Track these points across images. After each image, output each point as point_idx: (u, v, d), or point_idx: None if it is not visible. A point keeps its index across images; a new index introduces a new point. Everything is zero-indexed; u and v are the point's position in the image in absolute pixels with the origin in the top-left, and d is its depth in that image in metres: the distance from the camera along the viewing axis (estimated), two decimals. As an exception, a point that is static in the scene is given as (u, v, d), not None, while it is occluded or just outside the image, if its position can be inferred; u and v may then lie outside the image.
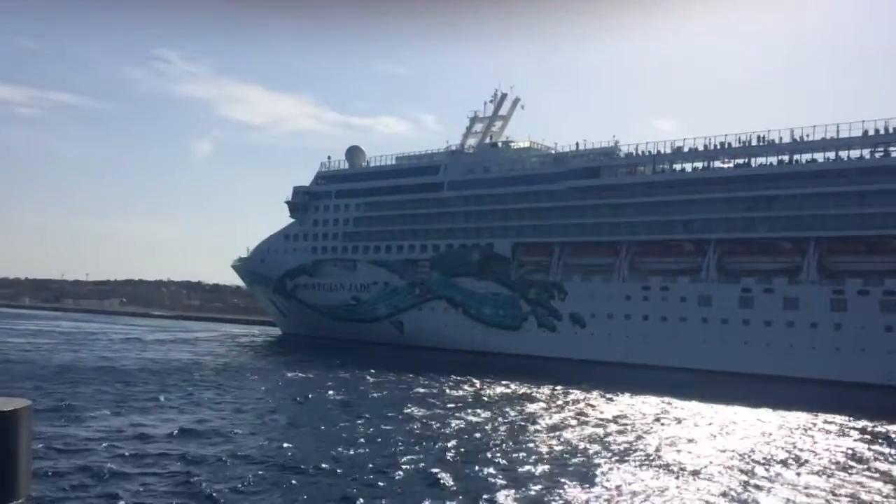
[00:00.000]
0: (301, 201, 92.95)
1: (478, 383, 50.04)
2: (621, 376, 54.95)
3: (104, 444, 26.80)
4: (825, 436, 34.07)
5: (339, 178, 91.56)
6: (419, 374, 53.63)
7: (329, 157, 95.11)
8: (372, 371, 54.39)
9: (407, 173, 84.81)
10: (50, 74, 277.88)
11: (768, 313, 59.36)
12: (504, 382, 50.58)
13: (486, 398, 43.78)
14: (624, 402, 43.13)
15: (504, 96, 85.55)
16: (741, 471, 26.36)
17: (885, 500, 23.18)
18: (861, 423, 37.02)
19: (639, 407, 41.40)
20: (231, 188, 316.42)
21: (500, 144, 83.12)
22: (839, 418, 38.30)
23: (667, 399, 44.00)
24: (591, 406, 41.51)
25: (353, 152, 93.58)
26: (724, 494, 23.14)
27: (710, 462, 27.46)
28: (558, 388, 48.18)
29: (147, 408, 35.76)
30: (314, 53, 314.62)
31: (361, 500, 21.15)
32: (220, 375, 50.62)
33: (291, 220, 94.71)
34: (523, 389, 47.82)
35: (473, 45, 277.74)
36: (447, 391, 46.24)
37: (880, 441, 32.96)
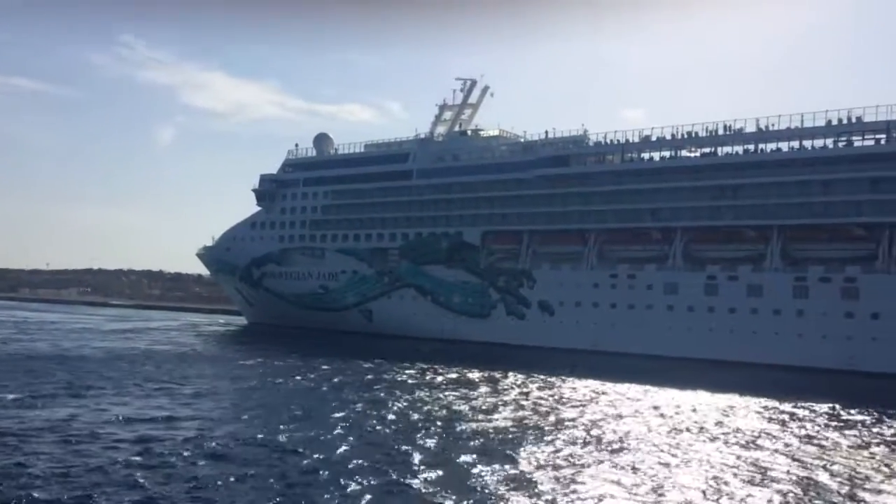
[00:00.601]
0: (268, 189, 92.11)
1: (436, 370, 50.46)
2: (587, 363, 55.68)
3: (51, 434, 26.39)
4: (751, 416, 35.38)
5: (307, 166, 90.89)
6: (382, 361, 53.99)
7: (297, 145, 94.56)
8: (333, 359, 54.54)
9: (376, 161, 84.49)
10: (9, 60, 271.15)
11: (733, 300, 60.30)
12: (462, 369, 51.14)
13: (438, 383, 44.41)
14: (573, 387, 43.85)
15: (473, 84, 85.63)
16: (654, 445, 27.84)
17: (760, 473, 24.06)
18: (794, 406, 38.21)
19: (582, 391, 42.29)
20: (194, 176, 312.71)
21: (469, 133, 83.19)
22: (780, 401, 39.40)
23: (618, 384, 44.85)
24: (539, 390, 42.30)
25: (321, 140, 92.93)
26: (630, 466, 24.58)
27: (628, 438, 28.88)
28: (516, 374, 48.73)
29: (96, 395, 35.27)
30: (279, 40, 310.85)
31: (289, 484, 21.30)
32: (176, 364, 50.11)
33: (258, 209, 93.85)
34: (477, 375, 48.44)
35: (440, 32, 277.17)
36: (405, 378, 46.53)
37: (798, 421, 34.29)
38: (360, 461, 23.97)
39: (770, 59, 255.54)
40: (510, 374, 48.98)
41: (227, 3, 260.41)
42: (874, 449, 28.70)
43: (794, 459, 26.32)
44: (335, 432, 28.50)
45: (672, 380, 46.62)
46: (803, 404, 38.69)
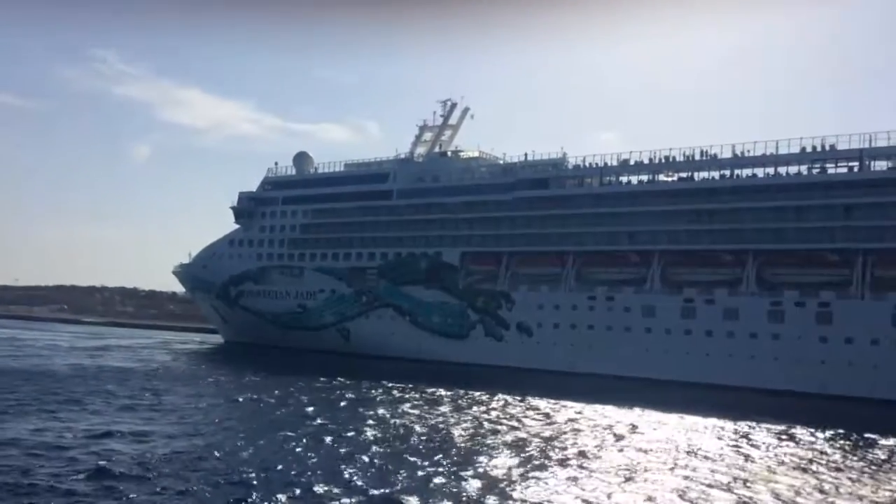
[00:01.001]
0: (247, 207, 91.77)
1: (405, 388, 50.74)
2: (560, 384, 56.02)
3: (11, 448, 26.57)
4: (707, 438, 35.97)
5: (287, 185, 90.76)
6: (353, 380, 54.13)
7: (276, 163, 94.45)
8: (304, 377, 54.69)
9: (356, 180, 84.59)
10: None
11: (709, 323, 60.92)
12: (432, 388, 51.35)
13: (403, 401, 44.82)
14: (535, 407, 44.30)
15: (454, 106, 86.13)
16: (602, 462, 28.81)
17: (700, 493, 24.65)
18: (755, 428, 38.85)
19: (544, 410, 42.99)
20: (170, 192, 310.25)
21: (449, 154, 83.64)
22: (743, 423, 39.96)
23: (585, 404, 45.34)
24: (501, 410, 42.69)
25: (301, 158, 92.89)
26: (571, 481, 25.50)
27: (576, 456, 29.64)
28: (481, 394, 49.15)
29: (58, 411, 35.37)
30: (256, 58, 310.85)
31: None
32: (144, 381, 49.90)
33: (236, 227, 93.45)
34: (444, 394, 48.82)
35: (417, 53, 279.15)
36: (376, 397, 46.69)
37: (750, 441, 35.20)
38: (301, 475, 24.40)
39: (742, 83, 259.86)
40: (485, 394, 49.18)
41: (204, 20, 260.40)
42: (814, 468, 29.37)
43: (733, 478, 26.98)
44: (287, 448, 28.86)
45: (643, 401, 47.05)
46: (766, 426, 39.27)
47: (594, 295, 66.72)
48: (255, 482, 23.58)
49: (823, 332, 56.25)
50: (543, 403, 45.55)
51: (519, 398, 47.45)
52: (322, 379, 54.24)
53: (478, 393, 49.66)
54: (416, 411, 40.90)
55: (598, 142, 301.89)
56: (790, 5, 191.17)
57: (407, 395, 47.79)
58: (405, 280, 77.98)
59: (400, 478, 25.03)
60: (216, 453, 27.46)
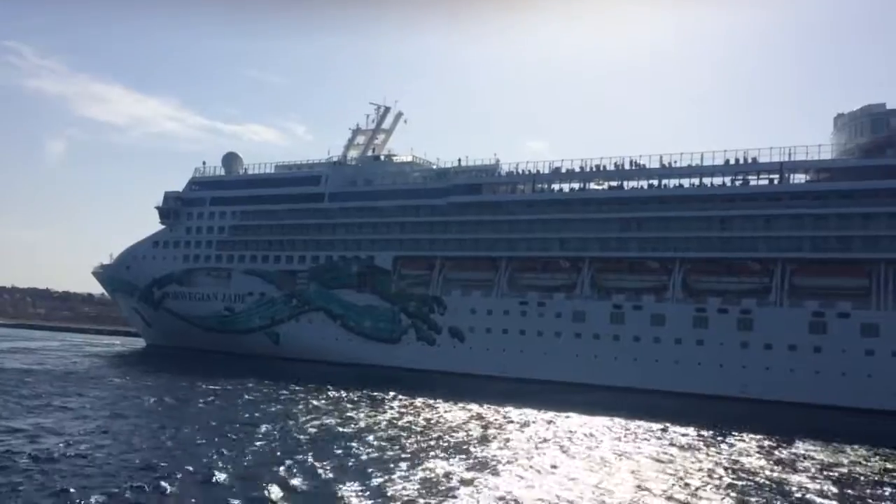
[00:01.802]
0: (173, 207, 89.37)
1: (323, 391, 50.57)
2: (484, 388, 56.59)
3: None
4: (610, 438, 37.39)
5: (215, 185, 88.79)
6: (273, 383, 53.75)
7: (204, 163, 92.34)
8: (222, 380, 53.89)
9: (287, 182, 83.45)
10: None
11: (637, 329, 62.46)
12: (348, 391, 51.39)
13: (318, 405, 44.71)
14: (452, 410, 44.98)
15: (387, 110, 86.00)
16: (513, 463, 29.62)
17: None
18: (661, 429, 40.49)
19: (457, 413, 43.62)
20: (88, 190, 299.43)
21: (382, 157, 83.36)
22: (650, 425, 41.52)
23: (503, 407, 46.34)
24: (418, 413, 43.23)
25: (230, 159, 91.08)
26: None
27: (485, 457, 30.37)
28: (399, 397, 49.57)
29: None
30: (180, 55, 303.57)
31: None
32: (51, 384, 48.53)
33: (161, 227, 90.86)
34: (359, 398, 48.84)
35: (347, 56, 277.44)
36: (285, 399, 46.50)
37: (659, 442, 36.64)
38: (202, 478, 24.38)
39: (667, 92, 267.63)
40: (414, 398, 49.39)
41: (124, 12, 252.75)
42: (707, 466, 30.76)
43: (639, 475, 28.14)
44: (184, 450, 28.76)
45: (566, 404, 48.37)
46: (676, 428, 40.66)
47: (526, 300, 67.52)
48: (145, 475, 23.84)
49: (744, 338, 58.39)
50: (451, 406, 46.36)
51: (440, 401, 47.99)
52: (235, 381, 53.51)
53: (378, 394, 50.26)
54: (333, 414, 41.10)
55: (528, 150, 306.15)
56: (717, 6, 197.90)
57: (323, 399, 47.71)
58: (337, 283, 77.32)
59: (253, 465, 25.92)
60: (111, 451, 27.51)
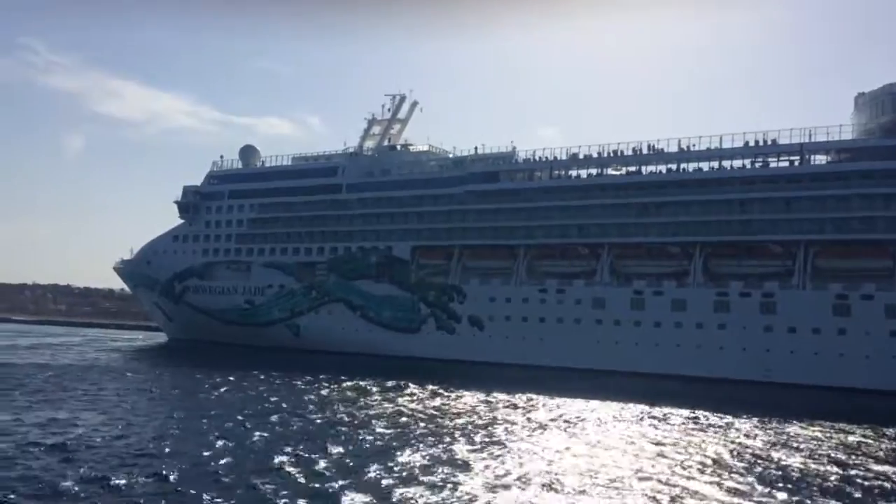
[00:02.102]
0: (192, 201, 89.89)
1: (341, 383, 50.11)
2: (504, 376, 56.27)
3: None
4: (625, 424, 36.35)
5: (233, 178, 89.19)
6: (292, 374, 53.42)
7: (222, 157, 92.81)
8: (242, 372, 53.59)
9: (304, 174, 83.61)
10: None
11: (658, 315, 62.09)
12: (365, 381, 50.77)
13: (338, 395, 44.50)
14: (465, 396, 44.59)
15: (402, 99, 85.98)
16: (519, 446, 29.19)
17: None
18: (679, 414, 39.49)
19: (467, 400, 43.22)
20: (105, 186, 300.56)
21: (398, 147, 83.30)
22: (675, 410, 40.47)
23: (520, 394, 45.75)
24: (430, 400, 42.81)
25: (248, 152, 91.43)
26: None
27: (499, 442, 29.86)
28: (417, 387, 48.70)
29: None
30: (194, 49, 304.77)
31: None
32: (74, 378, 48.39)
33: (180, 221, 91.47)
34: (377, 388, 48.23)
35: (359, 45, 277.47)
36: (304, 391, 46.18)
37: (674, 427, 35.62)
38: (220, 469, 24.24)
39: (675, 77, 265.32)
40: (429, 386, 48.95)
41: (138, 9, 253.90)
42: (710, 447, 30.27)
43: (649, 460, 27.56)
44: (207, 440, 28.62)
45: (586, 390, 47.96)
46: (704, 413, 39.81)
47: (545, 287, 67.31)
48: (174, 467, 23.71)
49: (768, 322, 57.89)
50: (468, 394, 45.85)
51: (454, 389, 47.66)
52: (259, 374, 53.30)
53: (392, 382, 49.97)
54: (353, 402, 41.01)
55: (539, 137, 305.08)
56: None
57: (340, 387, 47.68)
58: (355, 274, 77.49)
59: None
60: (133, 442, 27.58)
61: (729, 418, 38.45)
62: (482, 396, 44.60)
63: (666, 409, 40.66)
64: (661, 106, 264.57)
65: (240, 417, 33.91)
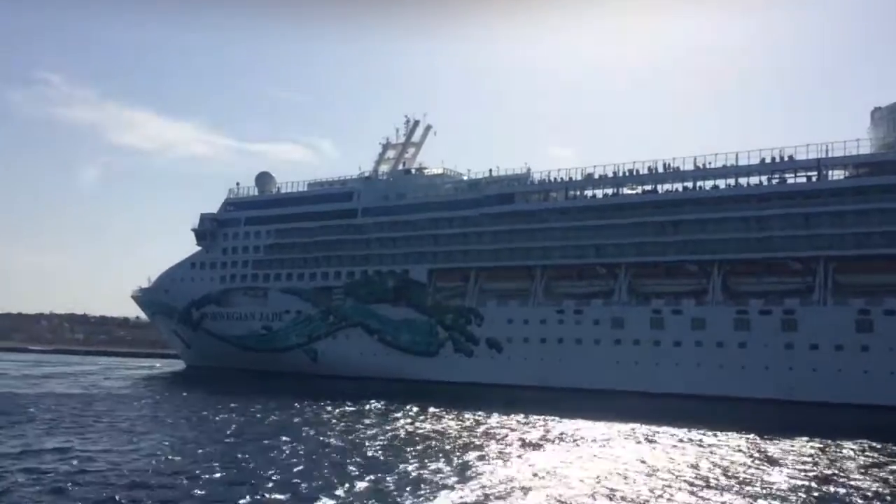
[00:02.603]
0: (209, 228, 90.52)
1: (353, 407, 49.85)
2: (523, 398, 55.49)
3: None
4: (633, 445, 35.22)
5: (249, 205, 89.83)
6: (308, 400, 52.74)
7: (238, 184, 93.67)
8: (261, 399, 52.80)
9: (320, 200, 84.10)
10: None
11: (677, 334, 61.61)
12: (385, 404, 50.62)
13: (345, 420, 43.79)
14: (475, 420, 43.80)
15: (416, 123, 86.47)
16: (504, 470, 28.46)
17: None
18: (696, 435, 38.33)
19: (467, 423, 42.46)
20: (121, 216, 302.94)
21: (413, 171, 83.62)
22: (691, 433, 38.98)
23: (527, 417, 44.83)
24: (435, 424, 42.18)
25: (263, 178, 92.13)
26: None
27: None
28: (432, 409, 48.10)
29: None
30: (206, 78, 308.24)
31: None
32: (83, 407, 48.22)
33: (198, 249, 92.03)
34: (400, 412, 47.39)
35: (369, 68, 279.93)
36: (320, 416, 45.84)
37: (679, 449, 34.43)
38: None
39: (689, 98, 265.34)
40: (448, 411, 48.28)
41: (150, 37, 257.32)
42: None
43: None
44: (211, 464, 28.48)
45: (605, 412, 46.73)
46: (718, 433, 38.63)
47: (563, 308, 67.01)
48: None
49: (789, 339, 57.31)
50: (474, 416, 45.17)
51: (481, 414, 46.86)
52: (278, 400, 52.69)
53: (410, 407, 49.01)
54: (359, 425, 40.70)
55: (552, 157, 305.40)
56: (747, 5, 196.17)
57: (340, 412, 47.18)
58: (372, 298, 77.52)
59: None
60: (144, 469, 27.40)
61: (735, 438, 37.62)
62: (503, 419, 44.09)
63: (684, 431, 39.52)
64: (677, 123, 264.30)
65: (236, 445, 33.37)
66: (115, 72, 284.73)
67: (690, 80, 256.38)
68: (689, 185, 65.43)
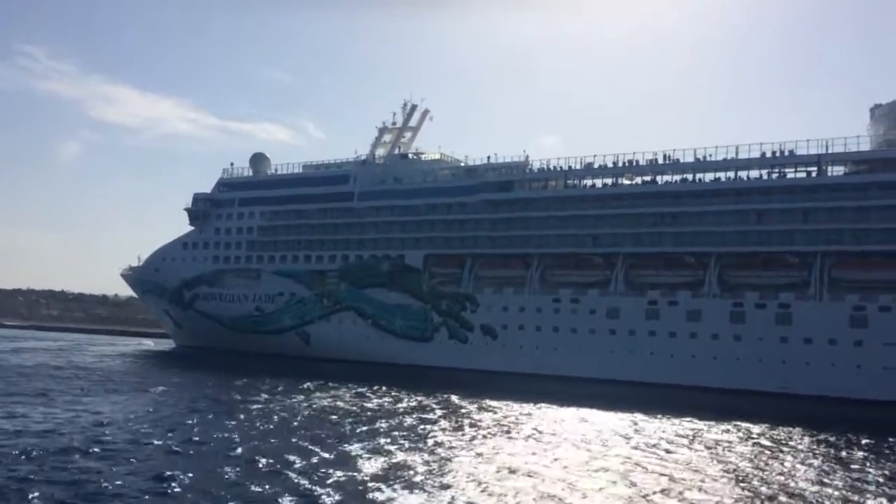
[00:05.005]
0: (202, 209, 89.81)
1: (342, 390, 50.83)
2: (517, 386, 56.38)
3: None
4: (627, 437, 36.14)
5: (243, 186, 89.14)
6: (293, 381, 54.29)
7: (232, 164, 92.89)
8: (244, 380, 54.00)
9: (315, 182, 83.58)
10: None
11: (673, 325, 61.84)
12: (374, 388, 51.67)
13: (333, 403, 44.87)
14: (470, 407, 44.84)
15: (414, 107, 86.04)
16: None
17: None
18: (681, 424, 39.94)
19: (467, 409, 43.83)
20: (103, 193, 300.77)
21: (410, 156, 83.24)
22: (673, 421, 40.93)
23: (519, 404, 46.38)
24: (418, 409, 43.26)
25: (258, 159, 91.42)
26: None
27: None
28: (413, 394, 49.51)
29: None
30: (191, 55, 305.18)
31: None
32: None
33: (181, 225, 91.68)
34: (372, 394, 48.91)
35: (356, 49, 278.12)
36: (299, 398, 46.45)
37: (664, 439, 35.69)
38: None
39: (680, 87, 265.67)
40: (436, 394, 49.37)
41: (135, 11, 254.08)
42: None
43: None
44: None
45: (585, 400, 48.07)
46: (704, 423, 40.21)
47: (559, 297, 67.11)
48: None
49: (783, 333, 57.66)
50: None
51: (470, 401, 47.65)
52: (261, 382, 53.67)
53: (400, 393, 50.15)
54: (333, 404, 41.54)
55: (539, 146, 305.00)
56: None
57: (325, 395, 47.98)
58: (367, 283, 77.29)
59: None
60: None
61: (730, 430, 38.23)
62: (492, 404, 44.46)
63: (677, 421, 40.41)
64: (672, 113, 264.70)
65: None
66: (98, 47, 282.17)
67: (683, 73, 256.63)
68: (689, 177, 65.50)
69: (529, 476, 26.02)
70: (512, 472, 26.43)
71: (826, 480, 26.98)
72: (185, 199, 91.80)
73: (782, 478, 27.52)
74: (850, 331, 55.43)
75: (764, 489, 25.33)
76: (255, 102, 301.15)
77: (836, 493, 24.91)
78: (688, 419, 41.74)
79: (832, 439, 36.97)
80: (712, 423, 40.71)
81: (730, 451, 32.76)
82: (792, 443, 35.83)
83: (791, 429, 39.25)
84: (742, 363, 58.57)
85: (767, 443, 35.68)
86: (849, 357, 55.07)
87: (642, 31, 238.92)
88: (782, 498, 24.35)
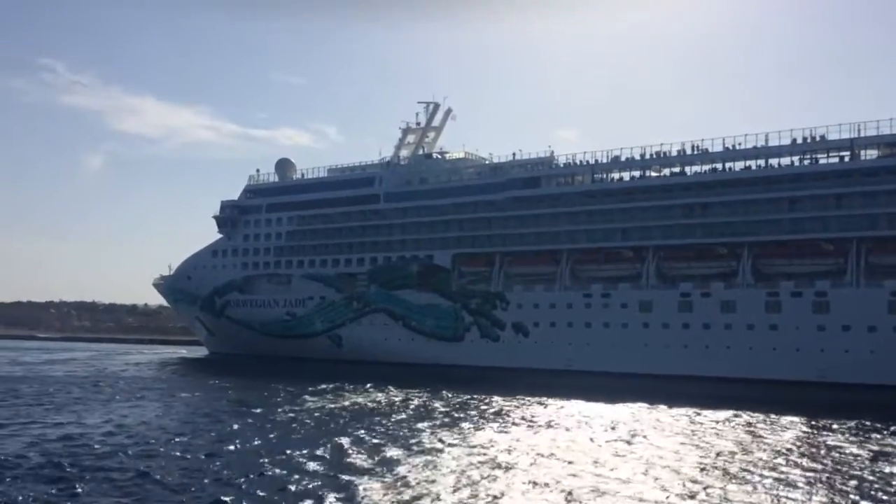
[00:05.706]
0: (229, 216, 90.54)
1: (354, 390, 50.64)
2: (551, 383, 55.50)
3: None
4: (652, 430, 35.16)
5: (270, 192, 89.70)
6: (334, 384, 53.75)
7: (258, 170, 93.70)
8: (278, 385, 53.51)
9: (341, 185, 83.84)
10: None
11: (707, 316, 61.22)
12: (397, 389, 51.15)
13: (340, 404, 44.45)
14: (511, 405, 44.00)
15: (436, 107, 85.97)
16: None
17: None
18: (725, 416, 38.81)
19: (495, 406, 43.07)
20: (126, 203, 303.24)
21: (435, 155, 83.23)
22: (706, 413, 39.77)
23: (545, 399, 45.92)
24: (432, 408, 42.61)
25: (283, 165, 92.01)
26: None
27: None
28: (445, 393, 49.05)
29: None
30: (209, 64, 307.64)
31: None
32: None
33: (218, 237, 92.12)
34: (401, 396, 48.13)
35: (371, 51, 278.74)
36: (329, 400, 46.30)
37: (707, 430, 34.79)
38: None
39: (697, 78, 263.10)
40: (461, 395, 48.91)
41: (152, 23, 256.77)
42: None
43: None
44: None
45: (633, 395, 46.69)
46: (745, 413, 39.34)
47: (590, 292, 66.70)
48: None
49: (821, 321, 56.82)
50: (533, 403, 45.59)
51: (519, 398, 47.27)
52: (296, 385, 53.63)
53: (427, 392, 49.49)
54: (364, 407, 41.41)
55: (558, 139, 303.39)
56: None
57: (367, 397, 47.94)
58: (397, 284, 77.38)
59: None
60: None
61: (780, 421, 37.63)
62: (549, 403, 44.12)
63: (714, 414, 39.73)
64: (695, 102, 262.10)
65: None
66: (118, 58, 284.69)
67: (704, 62, 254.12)
68: (719, 166, 64.73)
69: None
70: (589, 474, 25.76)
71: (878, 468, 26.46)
72: (211, 207, 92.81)
73: (833, 464, 27.07)
74: (890, 317, 54.50)
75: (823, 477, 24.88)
76: (273, 108, 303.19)
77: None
78: (732, 409, 41.11)
79: (878, 425, 36.24)
80: (750, 412, 40.06)
81: (780, 441, 32.17)
82: (830, 432, 35.21)
83: (830, 420, 38.44)
84: (779, 353, 57.78)
85: (809, 430, 35.08)
86: (889, 343, 54.07)
87: (653, 23, 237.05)
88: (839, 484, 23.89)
